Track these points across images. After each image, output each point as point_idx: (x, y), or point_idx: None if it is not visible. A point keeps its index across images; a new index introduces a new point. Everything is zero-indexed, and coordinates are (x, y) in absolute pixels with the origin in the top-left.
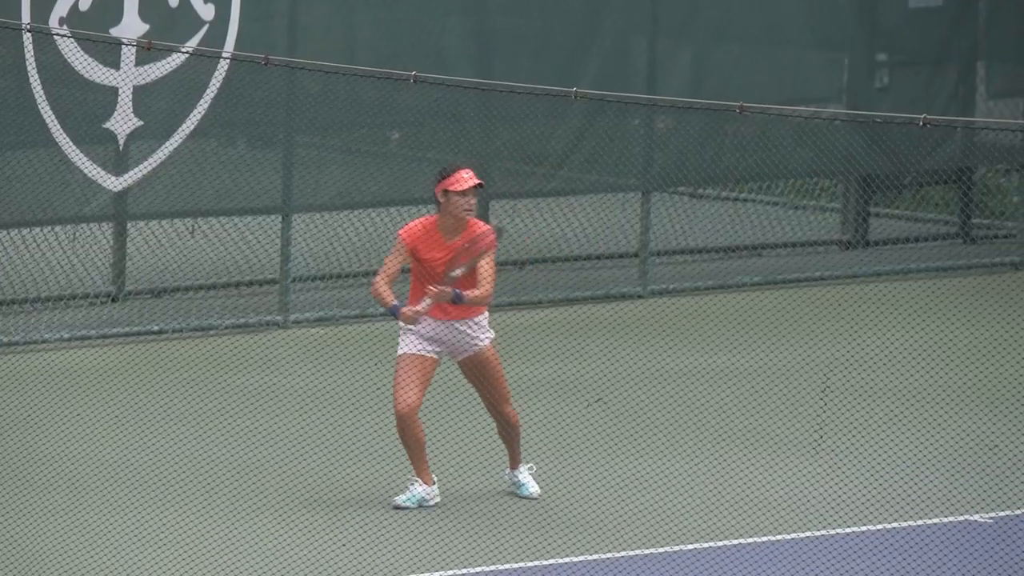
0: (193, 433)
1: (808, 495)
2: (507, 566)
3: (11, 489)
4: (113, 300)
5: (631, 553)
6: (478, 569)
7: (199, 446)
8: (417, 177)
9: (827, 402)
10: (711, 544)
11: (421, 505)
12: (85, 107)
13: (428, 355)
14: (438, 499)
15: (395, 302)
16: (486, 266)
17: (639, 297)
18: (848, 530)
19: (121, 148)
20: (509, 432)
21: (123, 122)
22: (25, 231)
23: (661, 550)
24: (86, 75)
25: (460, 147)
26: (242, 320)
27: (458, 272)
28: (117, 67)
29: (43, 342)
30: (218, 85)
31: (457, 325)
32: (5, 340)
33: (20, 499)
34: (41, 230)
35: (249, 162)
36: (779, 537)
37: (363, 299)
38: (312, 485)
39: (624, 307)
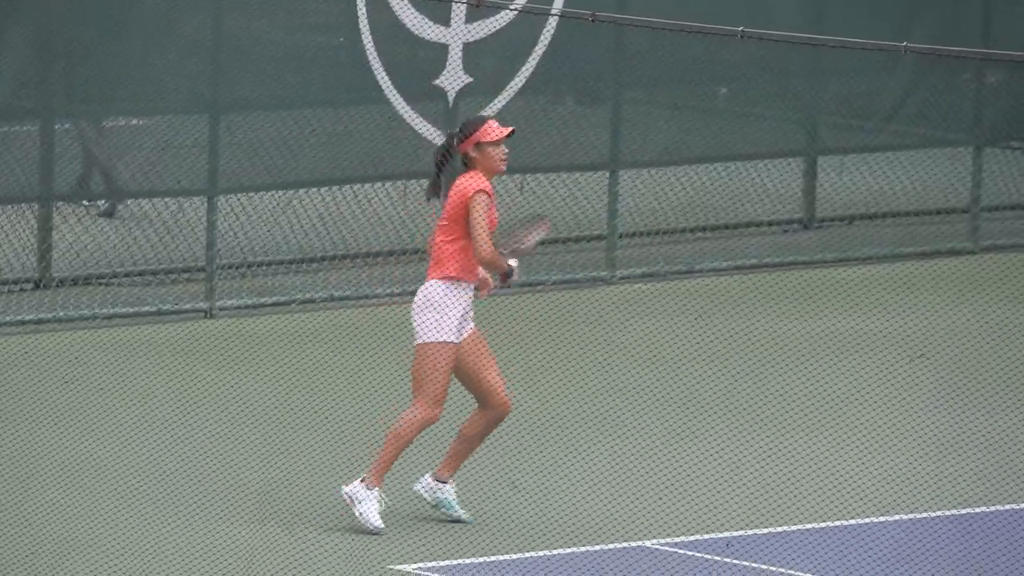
0: (522, 386)
1: None
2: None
3: (338, 440)
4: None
5: (959, 511)
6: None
7: (527, 399)
8: (744, 133)
9: None
10: None
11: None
12: (416, 64)
13: (456, 342)
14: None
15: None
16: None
17: (970, 253)
18: None
19: (451, 105)
20: (491, 426)
21: (453, 79)
22: (357, 187)
23: (986, 509)
24: (417, 32)
25: (787, 102)
26: (569, 276)
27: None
28: (447, 24)
29: (374, 297)
30: (547, 42)
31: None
32: (337, 295)
33: (345, 450)
34: (372, 186)
35: (577, 118)
36: None
37: (689, 254)
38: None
39: (953, 263)
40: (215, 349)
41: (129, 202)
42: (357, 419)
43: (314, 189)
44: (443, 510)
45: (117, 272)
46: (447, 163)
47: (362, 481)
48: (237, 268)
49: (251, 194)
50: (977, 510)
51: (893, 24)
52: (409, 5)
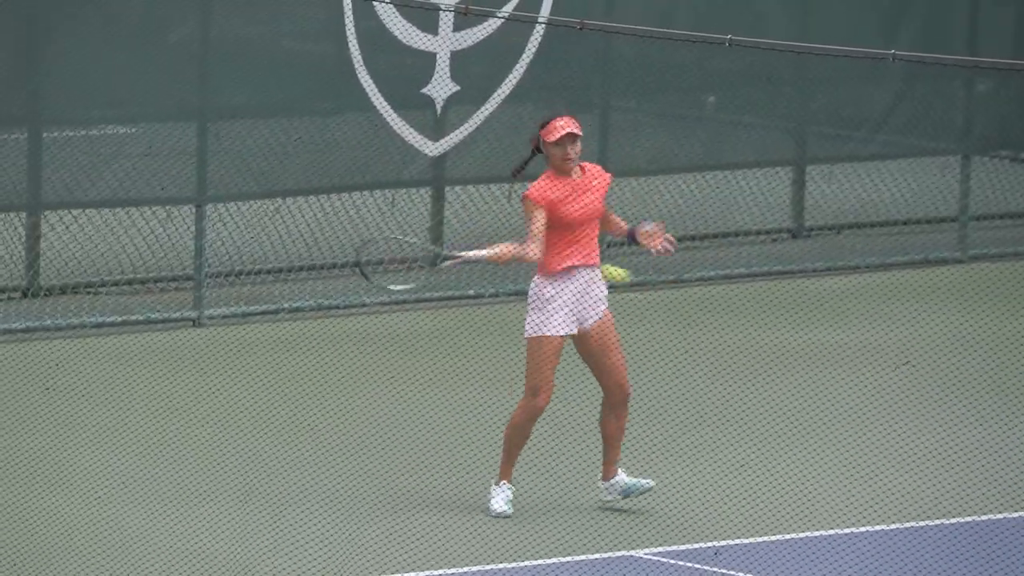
0: (508, 397)
1: None
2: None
3: (328, 446)
4: (431, 265)
5: (939, 522)
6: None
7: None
8: (732, 141)
9: None
10: None
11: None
12: (403, 72)
13: (561, 336)
14: None
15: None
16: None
17: (958, 262)
18: None
19: (439, 113)
20: (619, 416)
21: (441, 87)
22: (344, 196)
23: (976, 519)
24: (404, 40)
25: (775, 110)
26: None
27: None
28: (435, 32)
29: (362, 306)
30: (534, 49)
31: (596, 273)
32: (326, 303)
33: (336, 456)
34: (360, 194)
35: None
36: None
37: (677, 263)
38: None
39: (942, 272)
40: (203, 358)
41: (118, 210)
42: (346, 427)
43: (302, 197)
44: (633, 495)
45: (105, 281)
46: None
47: (495, 484)
48: (225, 276)
49: (239, 202)
50: (966, 520)
51: (879, 31)
52: (396, 13)
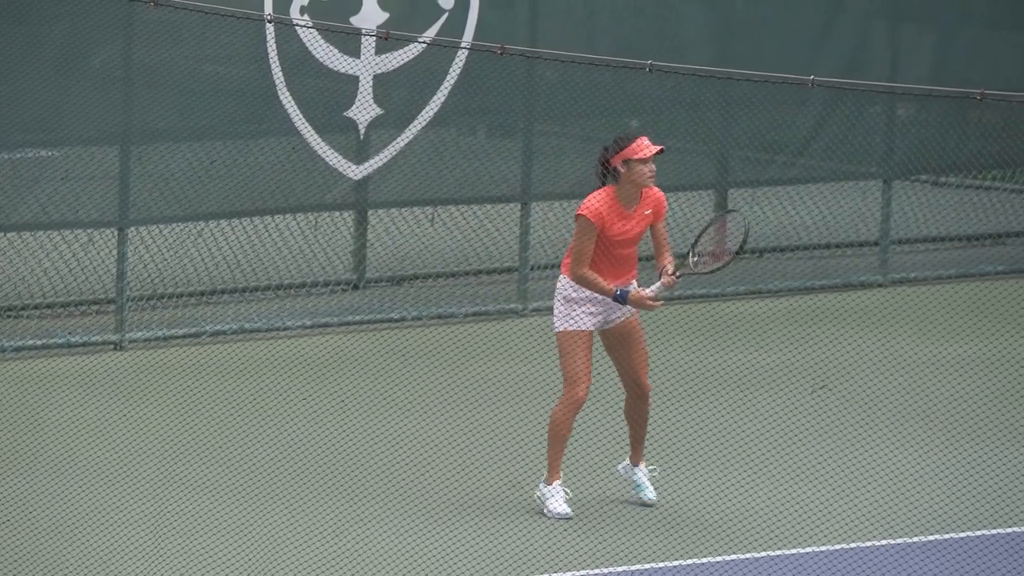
0: (431, 421)
1: None
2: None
3: (248, 471)
4: (354, 288)
5: (855, 545)
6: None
7: (437, 434)
8: (656, 165)
9: None
10: (943, 536)
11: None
12: (326, 96)
13: (589, 329)
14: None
15: (616, 288)
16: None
17: (879, 286)
18: None
19: (362, 136)
20: (640, 409)
21: (364, 111)
22: (267, 218)
23: (891, 542)
24: (327, 64)
25: (698, 134)
26: (481, 308)
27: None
28: (358, 56)
29: (284, 329)
30: (457, 73)
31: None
32: (248, 327)
33: (255, 482)
34: (283, 218)
35: (488, 150)
36: (1013, 530)
37: None
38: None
39: (864, 296)
40: (125, 381)
41: (40, 233)
42: (266, 452)
43: (225, 221)
44: (635, 490)
45: (26, 304)
46: (608, 174)
47: (544, 482)
48: (147, 300)
49: (162, 225)
50: (881, 543)
51: (801, 57)
52: (318, 37)
